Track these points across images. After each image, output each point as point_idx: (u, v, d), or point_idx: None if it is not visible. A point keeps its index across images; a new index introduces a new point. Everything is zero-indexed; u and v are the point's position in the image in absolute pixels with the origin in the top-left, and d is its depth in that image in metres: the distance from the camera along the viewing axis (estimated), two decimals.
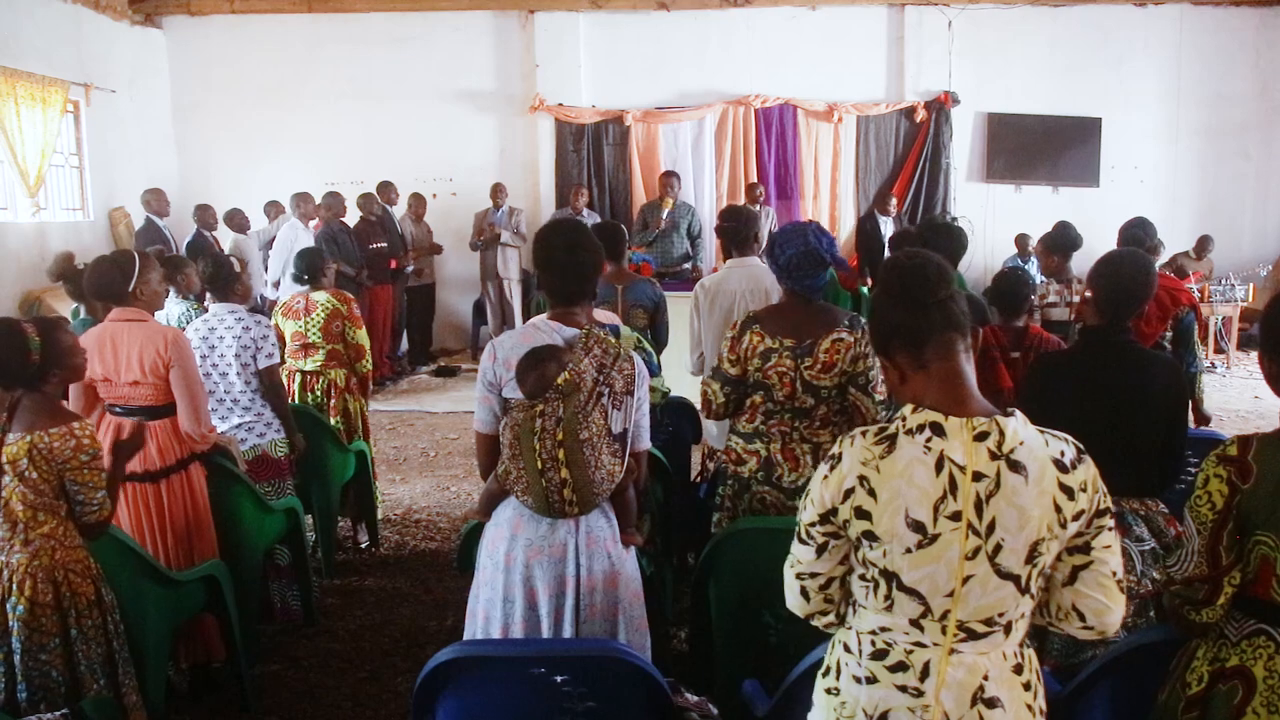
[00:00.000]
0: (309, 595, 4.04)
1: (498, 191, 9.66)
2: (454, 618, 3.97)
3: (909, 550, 1.56)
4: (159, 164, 10.48)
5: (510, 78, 10.66)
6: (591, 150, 10.65)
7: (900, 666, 1.60)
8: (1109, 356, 2.75)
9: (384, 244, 9.12)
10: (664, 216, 8.55)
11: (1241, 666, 1.83)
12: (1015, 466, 1.54)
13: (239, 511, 3.57)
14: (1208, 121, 10.60)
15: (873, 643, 1.64)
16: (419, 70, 10.61)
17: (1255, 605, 1.84)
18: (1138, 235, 4.63)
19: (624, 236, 4.68)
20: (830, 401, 2.96)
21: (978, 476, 1.54)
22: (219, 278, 4.03)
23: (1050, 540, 1.56)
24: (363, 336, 4.86)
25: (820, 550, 1.67)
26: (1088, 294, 2.84)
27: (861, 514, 1.58)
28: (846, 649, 1.68)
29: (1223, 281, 9.47)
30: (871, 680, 1.62)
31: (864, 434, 1.62)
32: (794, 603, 1.76)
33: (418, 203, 9.90)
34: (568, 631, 2.40)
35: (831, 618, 1.74)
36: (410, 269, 9.57)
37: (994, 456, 1.54)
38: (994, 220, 10.54)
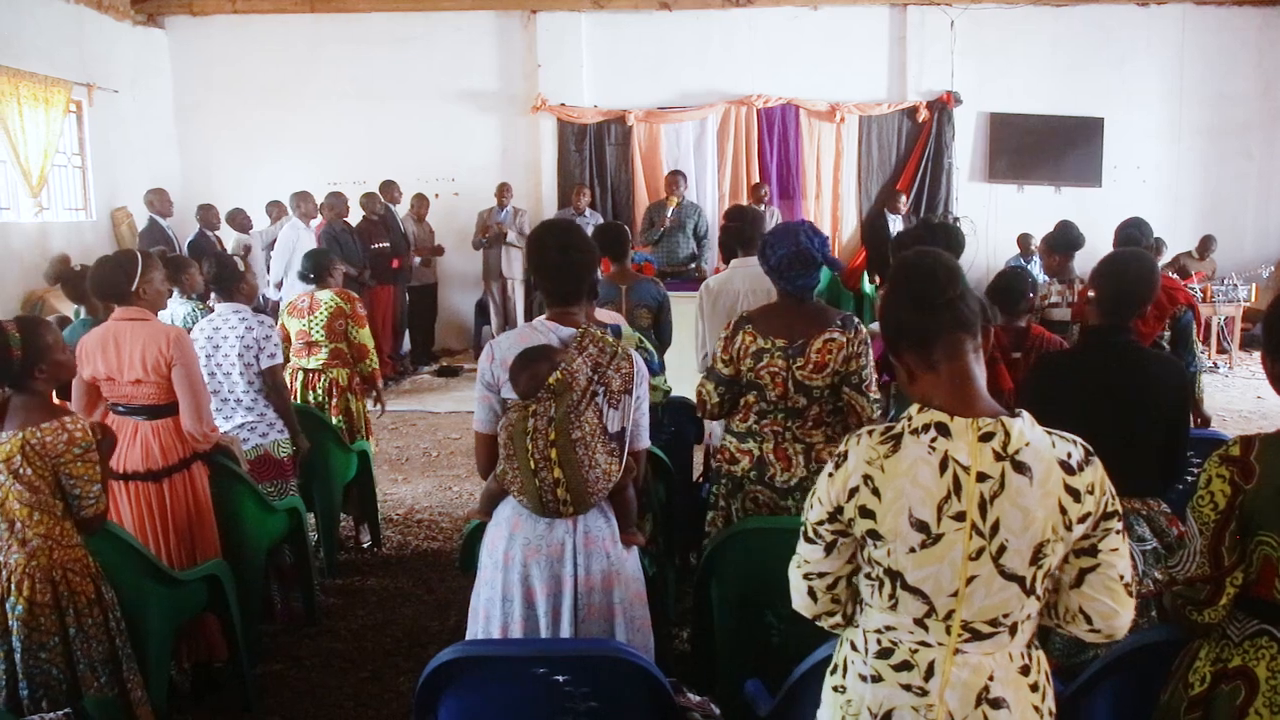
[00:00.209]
0: (311, 595, 4.04)
1: (503, 191, 9.65)
2: (456, 618, 3.97)
3: (912, 550, 1.56)
4: (161, 164, 10.48)
5: (512, 77, 10.66)
6: (593, 150, 10.65)
7: (905, 666, 1.61)
8: (1110, 356, 2.74)
9: (386, 243, 9.13)
10: (669, 215, 8.55)
11: (1244, 667, 1.83)
12: (1020, 467, 1.54)
13: (241, 511, 3.57)
14: (1210, 121, 10.59)
15: (878, 641, 1.64)
16: (421, 70, 10.61)
17: (1258, 606, 1.84)
18: (1134, 235, 4.61)
19: (627, 237, 4.69)
20: (823, 401, 2.95)
21: (982, 477, 1.54)
22: (223, 277, 4.03)
23: (1055, 542, 1.56)
24: (366, 336, 4.86)
25: (829, 549, 1.67)
26: (1090, 294, 2.83)
27: (866, 513, 1.59)
28: (853, 647, 1.69)
29: (1225, 281, 9.45)
30: (877, 679, 1.63)
31: (870, 433, 1.63)
32: (801, 603, 1.75)
33: (420, 203, 9.91)
34: (566, 631, 2.40)
35: (838, 618, 1.73)
36: (418, 261, 9.68)
37: (999, 457, 1.54)
38: (996, 220, 10.54)
